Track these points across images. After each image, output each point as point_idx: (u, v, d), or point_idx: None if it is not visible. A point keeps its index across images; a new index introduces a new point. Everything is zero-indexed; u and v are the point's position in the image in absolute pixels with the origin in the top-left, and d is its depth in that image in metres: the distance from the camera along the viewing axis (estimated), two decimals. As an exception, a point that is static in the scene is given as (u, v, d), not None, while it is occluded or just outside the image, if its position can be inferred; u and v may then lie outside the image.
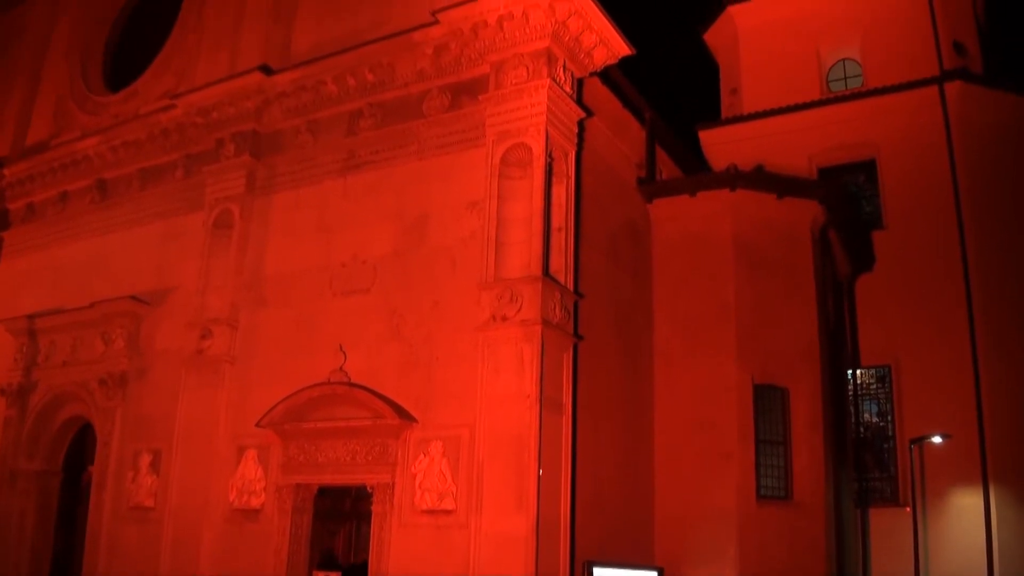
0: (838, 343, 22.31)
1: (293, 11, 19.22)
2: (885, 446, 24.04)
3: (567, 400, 14.48)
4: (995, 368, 22.54)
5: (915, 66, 25.77)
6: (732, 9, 29.84)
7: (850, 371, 23.85)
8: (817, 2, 28.66)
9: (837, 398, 21.21)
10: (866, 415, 24.43)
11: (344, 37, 17.73)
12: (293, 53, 18.74)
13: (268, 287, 17.64)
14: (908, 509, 21.61)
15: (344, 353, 15.85)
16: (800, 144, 25.87)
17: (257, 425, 16.24)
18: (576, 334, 15.03)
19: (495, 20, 15.44)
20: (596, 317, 16.73)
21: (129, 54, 23.31)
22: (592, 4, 15.39)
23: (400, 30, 16.80)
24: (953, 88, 24.66)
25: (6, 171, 23.19)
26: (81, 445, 20.76)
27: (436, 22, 16.06)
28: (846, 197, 22.56)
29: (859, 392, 24.22)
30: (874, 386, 24.42)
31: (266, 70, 18.27)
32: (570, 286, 15.01)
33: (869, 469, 24.02)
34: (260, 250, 17.99)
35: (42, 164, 22.43)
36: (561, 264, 15.01)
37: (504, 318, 14.19)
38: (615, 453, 17.36)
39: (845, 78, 28.14)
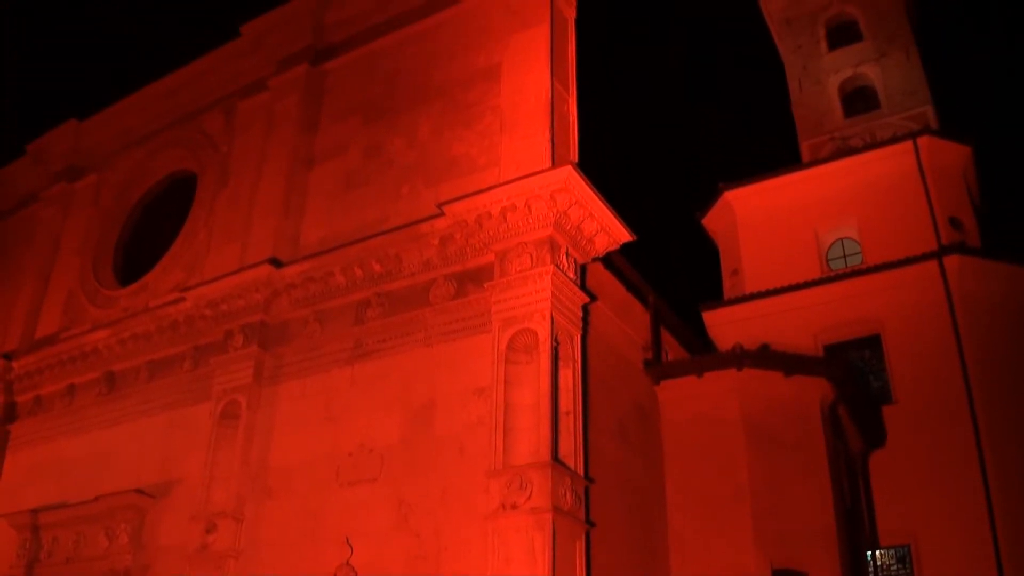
0: (855, 522, 21.80)
1: (302, 207, 19.74)
2: (911, 631, 23.21)
3: (581, 591, 14.03)
4: (1016, 542, 22.02)
5: (913, 242, 26.30)
6: (728, 195, 30.71)
7: (869, 552, 23.23)
8: (811, 187, 29.51)
9: (858, 581, 20.58)
10: (888, 598, 23.69)
11: (352, 230, 18.19)
12: (302, 246, 19.16)
13: (274, 478, 17.38)
14: None
15: (351, 546, 15.46)
16: (804, 322, 26.11)
17: (261, 624, 15.74)
18: (588, 520, 14.70)
19: (499, 211, 15.85)
20: (608, 502, 16.43)
21: (139, 249, 23.87)
22: (592, 194, 15.78)
23: (406, 222, 17.24)
24: (952, 262, 25.07)
25: (15, 364, 23.31)
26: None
27: (441, 214, 16.45)
28: (853, 373, 22.55)
29: (879, 574, 23.52)
30: (894, 567, 23.76)
31: (275, 263, 18.59)
32: (580, 471, 14.76)
33: (895, 657, 23.12)
34: (266, 440, 17.82)
35: (51, 357, 22.56)
36: (570, 448, 14.79)
37: (514, 506, 13.88)
38: (632, 645, 16.74)
39: (844, 256, 28.68)
